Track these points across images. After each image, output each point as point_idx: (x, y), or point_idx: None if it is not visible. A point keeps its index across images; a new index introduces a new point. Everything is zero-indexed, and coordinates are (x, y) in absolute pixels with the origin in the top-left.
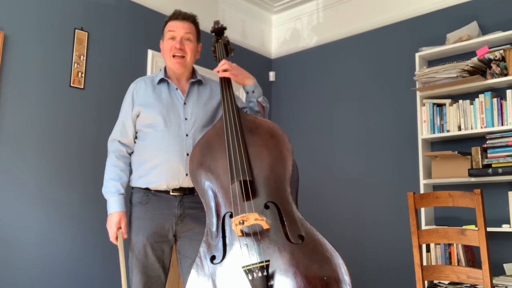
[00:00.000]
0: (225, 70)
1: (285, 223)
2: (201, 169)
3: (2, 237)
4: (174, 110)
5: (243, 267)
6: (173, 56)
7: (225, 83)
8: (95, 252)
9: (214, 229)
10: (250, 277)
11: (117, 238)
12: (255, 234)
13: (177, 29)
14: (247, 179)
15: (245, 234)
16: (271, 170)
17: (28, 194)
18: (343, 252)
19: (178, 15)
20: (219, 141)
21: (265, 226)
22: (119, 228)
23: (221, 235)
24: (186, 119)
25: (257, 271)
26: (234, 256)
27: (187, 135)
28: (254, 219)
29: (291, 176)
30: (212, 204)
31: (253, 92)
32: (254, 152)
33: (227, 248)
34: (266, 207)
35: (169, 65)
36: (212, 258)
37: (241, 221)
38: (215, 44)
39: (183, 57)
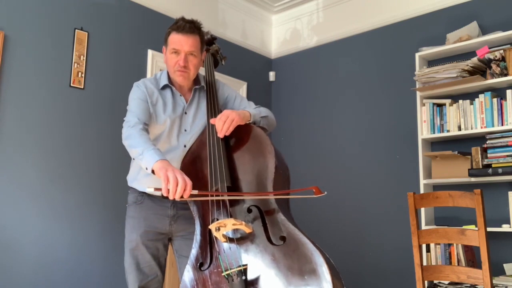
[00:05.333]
0: (227, 129)
1: (267, 225)
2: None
3: (2, 237)
4: (177, 121)
5: (223, 272)
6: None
7: (210, 89)
8: (95, 252)
9: (201, 236)
10: (230, 282)
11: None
12: (237, 239)
13: (181, 46)
14: (225, 186)
15: (228, 239)
16: (253, 174)
17: (28, 193)
18: (343, 251)
19: (183, 29)
20: (205, 150)
21: (247, 230)
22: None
23: (208, 242)
24: (185, 130)
25: (235, 275)
26: (219, 262)
27: (185, 146)
28: (232, 224)
29: (274, 178)
30: (199, 213)
31: (253, 122)
32: (237, 157)
33: (213, 254)
34: (249, 211)
35: (173, 77)
36: (201, 265)
37: (217, 228)
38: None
39: (187, 72)
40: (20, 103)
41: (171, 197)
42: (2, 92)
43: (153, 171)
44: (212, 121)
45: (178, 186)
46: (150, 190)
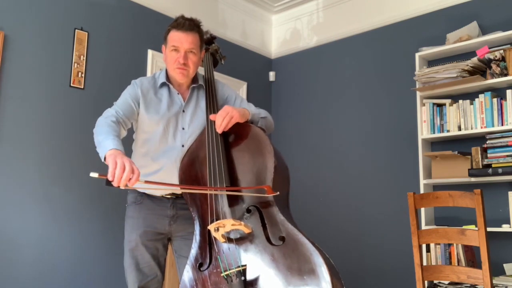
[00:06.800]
0: (226, 124)
1: (267, 225)
2: (188, 179)
3: (3, 236)
4: (173, 119)
5: (222, 273)
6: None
7: (209, 88)
8: (95, 252)
9: (200, 237)
10: (229, 282)
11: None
12: (236, 239)
13: (181, 43)
14: (224, 186)
15: (228, 240)
16: (252, 174)
17: (28, 193)
18: (343, 251)
19: (183, 26)
20: (204, 150)
21: (246, 230)
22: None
23: (207, 243)
24: (183, 128)
25: (234, 276)
26: (218, 262)
27: (183, 145)
28: (231, 224)
29: (274, 178)
30: (198, 213)
31: (252, 122)
32: (237, 157)
33: (213, 254)
34: (248, 211)
35: (172, 75)
36: (200, 265)
37: (216, 228)
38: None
39: (187, 70)
40: (20, 103)
41: (115, 184)
42: (2, 92)
43: (105, 160)
44: (211, 116)
45: (124, 173)
46: (94, 175)
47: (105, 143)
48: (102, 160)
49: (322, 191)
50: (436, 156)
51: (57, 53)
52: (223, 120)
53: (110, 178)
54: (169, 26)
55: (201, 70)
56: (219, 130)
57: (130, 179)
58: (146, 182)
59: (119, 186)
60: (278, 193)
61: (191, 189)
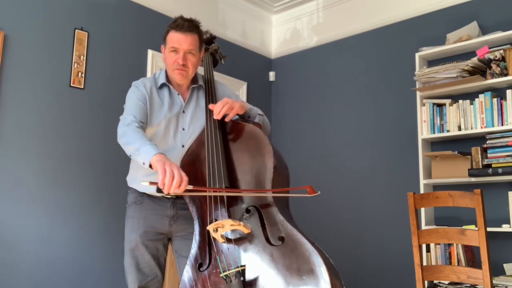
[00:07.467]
0: (225, 111)
1: (266, 226)
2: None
3: (3, 236)
4: (173, 120)
5: (221, 273)
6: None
7: (209, 88)
8: (95, 252)
9: (200, 237)
10: (228, 283)
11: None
12: (235, 240)
13: (180, 45)
14: (223, 186)
15: (227, 240)
16: (252, 174)
17: (28, 193)
18: (343, 252)
19: (182, 27)
20: (204, 150)
21: (245, 230)
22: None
23: (207, 243)
24: (183, 129)
25: (233, 276)
26: (217, 263)
27: (183, 146)
28: (230, 225)
29: (273, 178)
30: (198, 213)
31: (248, 117)
32: (236, 157)
33: (212, 255)
34: (247, 211)
35: (171, 76)
36: (200, 265)
37: (215, 229)
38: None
39: (186, 71)
40: (20, 103)
41: (165, 191)
42: (2, 92)
43: (150, 166)
44: (210, 106)
45: (174, 181)
46: (145, 184)
47: (145, 149)
48: (147, 166)
49: (321, 191)
50: (436, 156)
51: (57, 53)
52: (222, 107)
53: (160, 186)
54: (168, 27)
55: (201, 70)
56: (218, 116)
57: (179, 185)
58: (195, 187)
59: (169, 193)
60: (319, 192)
61: (236, 192)
